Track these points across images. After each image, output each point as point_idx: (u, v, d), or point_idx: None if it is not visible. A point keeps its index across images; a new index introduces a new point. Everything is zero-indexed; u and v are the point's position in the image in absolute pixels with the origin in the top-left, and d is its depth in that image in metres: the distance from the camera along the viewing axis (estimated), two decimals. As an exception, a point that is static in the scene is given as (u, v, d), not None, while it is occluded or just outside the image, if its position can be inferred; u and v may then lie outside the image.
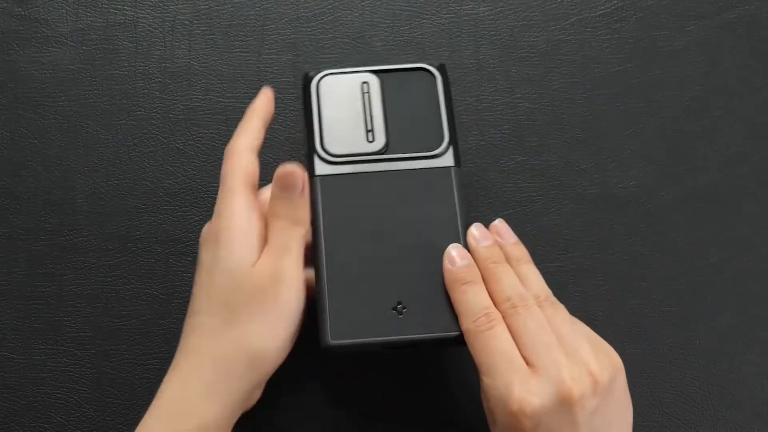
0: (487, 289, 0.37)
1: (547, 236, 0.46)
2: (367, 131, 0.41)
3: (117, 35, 0.48)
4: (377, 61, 0.48)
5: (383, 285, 0.38)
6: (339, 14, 0.48)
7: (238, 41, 0.48)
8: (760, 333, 0.45)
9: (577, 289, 0.45)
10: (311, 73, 0.42)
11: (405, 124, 0.41)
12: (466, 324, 0.36)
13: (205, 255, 0.38)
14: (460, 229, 0.39)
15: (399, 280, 0.38)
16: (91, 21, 0.48)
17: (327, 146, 0.40)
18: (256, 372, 0.36)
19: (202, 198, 0.46)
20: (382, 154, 0.40)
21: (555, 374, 0.34)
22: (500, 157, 0.47)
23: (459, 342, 0.37)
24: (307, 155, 0.41)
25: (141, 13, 0.48)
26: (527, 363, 0.35)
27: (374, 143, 0.41)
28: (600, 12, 0.49)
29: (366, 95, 0.41)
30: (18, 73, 0.47)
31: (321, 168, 0.40)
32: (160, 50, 0.48)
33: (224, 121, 0.47)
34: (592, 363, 0.35)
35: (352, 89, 0.42)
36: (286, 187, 0.38)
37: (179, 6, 0.48)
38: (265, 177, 0.46)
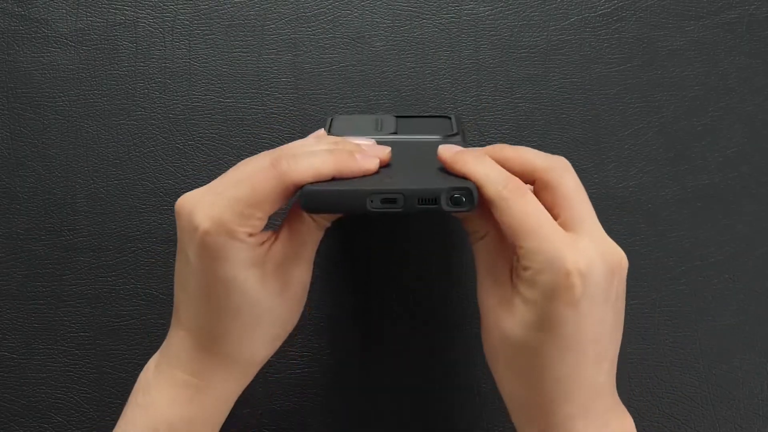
0: (513, 166, 0.35)
1: (547, 236, 0.46)
2: (377, 127, 0.42)
3: (117, 35, 0.48)
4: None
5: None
6: (339, 14, 0.48)
7: (238, 41, 0.48)
8: (760, 333, 0.45)
9: (577, 289, 0.45)
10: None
11: (416, 128, 0.42)
12: (495, 190, 0.33)
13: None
14: None
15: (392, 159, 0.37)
16: (91, 21, 0.48)
17: (334, 133, 0.41)
18: None
19: (202, 198, 0.46)
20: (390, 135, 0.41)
21: (601, 239, 0.33)
22: (500, 157, 0.47)
23: (457, 201, 0.33)
24: None
25: (141, 13, 0.48)
26: (565, 229, 0.33)
27: (382, 131, 0.41)
28: (600, 12, 0.49)
29: (379, 119, 0.43)
30: (18, 73, 0.47)
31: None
32: (160, 50, 0.47)
33: (224, 121, 0.47)
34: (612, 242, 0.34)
35: (366, 117, 0.43)
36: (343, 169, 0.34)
37: (179, 6, 0.48)
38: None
